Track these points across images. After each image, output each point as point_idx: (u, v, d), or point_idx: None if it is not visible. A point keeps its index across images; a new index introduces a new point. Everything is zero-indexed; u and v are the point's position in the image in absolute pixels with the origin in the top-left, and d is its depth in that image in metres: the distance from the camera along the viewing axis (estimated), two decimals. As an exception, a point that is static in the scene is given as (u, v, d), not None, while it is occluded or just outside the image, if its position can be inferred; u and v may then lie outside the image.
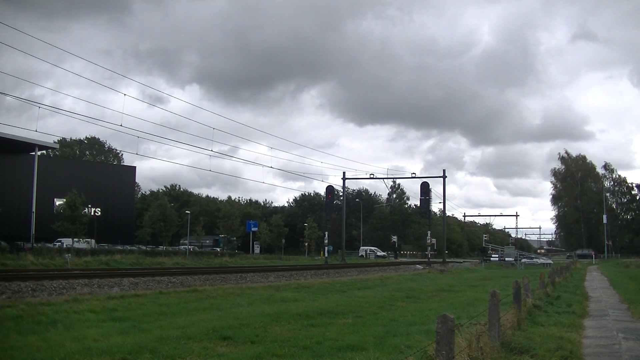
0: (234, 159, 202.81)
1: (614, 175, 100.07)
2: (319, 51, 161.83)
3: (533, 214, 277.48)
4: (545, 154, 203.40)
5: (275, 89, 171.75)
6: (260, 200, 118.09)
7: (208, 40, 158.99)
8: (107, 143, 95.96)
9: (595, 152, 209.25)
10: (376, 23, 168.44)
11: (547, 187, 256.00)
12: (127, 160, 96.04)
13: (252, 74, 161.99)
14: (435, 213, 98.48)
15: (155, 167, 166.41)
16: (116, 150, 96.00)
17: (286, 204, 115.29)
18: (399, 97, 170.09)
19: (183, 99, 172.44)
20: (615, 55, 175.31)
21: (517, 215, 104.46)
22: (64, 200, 43.46)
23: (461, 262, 68.47)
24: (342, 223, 64.93)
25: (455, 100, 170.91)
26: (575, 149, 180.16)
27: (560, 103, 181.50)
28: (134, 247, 58.58)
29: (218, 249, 74.19)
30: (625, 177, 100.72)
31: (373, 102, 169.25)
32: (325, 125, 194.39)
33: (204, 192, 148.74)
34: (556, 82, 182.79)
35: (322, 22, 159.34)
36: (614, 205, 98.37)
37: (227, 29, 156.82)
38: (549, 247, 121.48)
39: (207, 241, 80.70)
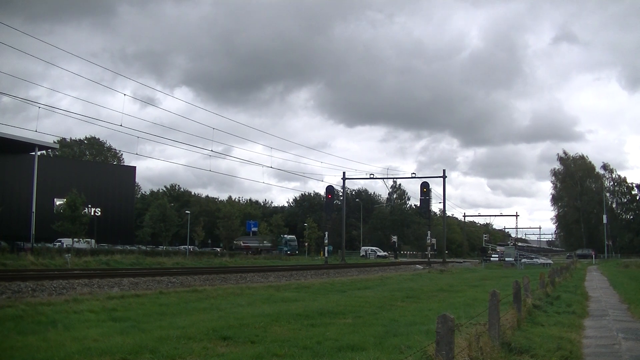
0: (232, 159, 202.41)
1: (613, 175, 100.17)
2: (306, 53, 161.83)
3: (530, 214, 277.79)
4: (536, 155, 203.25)
5: (264, 90, 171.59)
6: (258, 200, 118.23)
7: (195, 44, 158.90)
8: (107, 143, 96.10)
9: (587, 152, 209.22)
10: (363, 26, 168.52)
11: (542, 188, 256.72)
12: (125, 160, 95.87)
13: (240, 76, 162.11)
14: (435, 213, 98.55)
15: (151, 167, 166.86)
16: (115, 150, 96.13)
17: (286, 204, 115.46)
18: (387, 98, 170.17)
19: (179, 99, 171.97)
20: (602, 57, 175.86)
21: (517, 215, 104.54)
22: (64, 200, 43.52)
23: (461, 262, 68.47)
24: (342, 223, 64.91)
25: (445, 101, 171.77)
26: (566, 149, 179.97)
27: (549, 105, 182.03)
28: (134, 247, 58.54)
29: (277, 251, 73.50)
30: (625, 177, 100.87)
31: (362, 103, 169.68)
32: (317, 126, 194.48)
33: (200, 192, 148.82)
34: (544, 84, 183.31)
35: (308, 25, 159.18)
36: (614, 205, 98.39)
37: (214, 33, 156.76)
38: (523, 244, 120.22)
39: (265, 242, 78.84)
